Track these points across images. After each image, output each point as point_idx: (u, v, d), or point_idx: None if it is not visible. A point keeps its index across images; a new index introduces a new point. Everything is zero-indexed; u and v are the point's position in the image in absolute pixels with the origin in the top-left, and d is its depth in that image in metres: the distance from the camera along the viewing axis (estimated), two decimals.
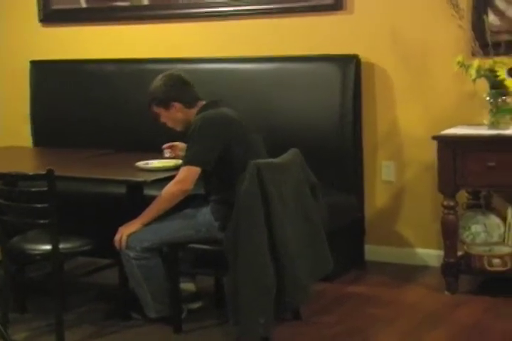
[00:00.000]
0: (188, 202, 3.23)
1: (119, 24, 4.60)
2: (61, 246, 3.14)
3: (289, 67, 4.10)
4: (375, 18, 3.92)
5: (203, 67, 4.28)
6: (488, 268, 3.48)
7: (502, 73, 3.41)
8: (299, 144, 3.37)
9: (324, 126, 3.95)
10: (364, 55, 3.94)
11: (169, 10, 4.54)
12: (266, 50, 4.17)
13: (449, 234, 3.54)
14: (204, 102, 3.27)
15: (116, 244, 3.17)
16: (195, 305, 3.42)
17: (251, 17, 4.23)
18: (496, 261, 3.46)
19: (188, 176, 3.10)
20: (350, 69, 3.91)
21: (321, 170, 3.50)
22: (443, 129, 3.60)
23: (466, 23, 3.66)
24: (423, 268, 3.94)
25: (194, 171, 3.10)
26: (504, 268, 3.46)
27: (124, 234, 3.15)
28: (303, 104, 4.01)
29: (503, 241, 3.64)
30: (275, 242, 2.94)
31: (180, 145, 3.44)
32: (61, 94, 4.62)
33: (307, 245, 3.11)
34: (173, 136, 3.42)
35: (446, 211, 3.52)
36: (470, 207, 3.75)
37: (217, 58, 4.29)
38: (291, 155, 3.19)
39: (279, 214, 2.96)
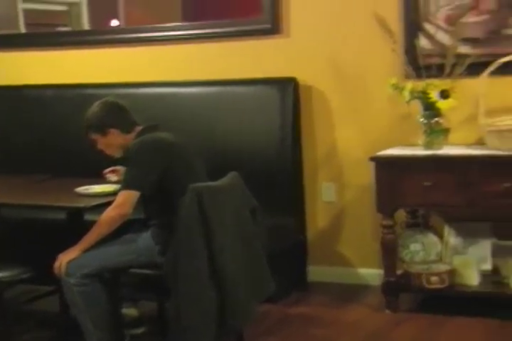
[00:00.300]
0: (128, 227, 3.23)
1: (59, 49, 4.59)
2: (0, 274, 3.10)
3: (229, 90, 4.15)
4: (312, 42, 4.00)
5: (145, 91, 4.30)
6: (427, 286, 3.53)
7: (433, 95, 3.50)
8: (240, 167, 3.41)
9: (264, 148, 3.99)
10: (302, 78, 4.01)
11: (110, 35, 4.56)
12: (206, 74, 4.21)
13: (388, 253, 3.60)
14: (141, 127, 3.28)
15: (56, 271, 3.13)
16: (138, 331, 3.40)
17: (191, 42, 4.27)
18: (434, 278, 3.52)
19: (126, 200, 3.09)
20: (288, 92, 3.97)
21: (263, 192, 3.52)
22: (380, 150, 3.68)
23: (399, 46, 3.75)
24: (365, 288, 3.98)
25: (132, 195, 3.10)
26: (442, 286, 3.52)
27: (63, 260, 3.12)
28: (243, 126, 4.05)
29: (440, 259, 3.72)
30: (215, 266, 2.95)
31: (122, 169, 3.44)
32: (2, 120, 4.58)
33: (248, 267, 3.13)
34: (113, 161, 3.42)
35: (384, 230, 3.58)
36: (408, 226, 3.82)
37: (158, 82, 4.32)
38: (230, 178, 3.21)
39: (219, 237, 2.97)
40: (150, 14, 4.89)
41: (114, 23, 5.00)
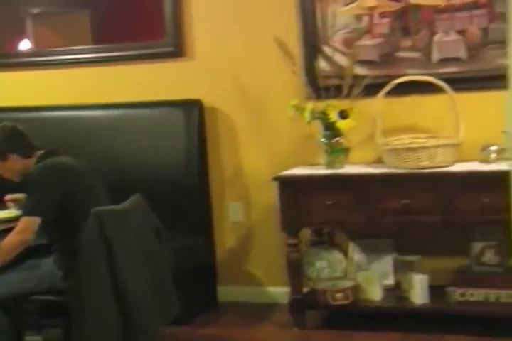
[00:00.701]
0: (30, 253, 3.19)
1: None
2: None
3: (135, 113, 4.16)
4: (216, 64, 4.05)
5: (48, 115, 4.27)
6: (332, 303, 3.59)
7: (333, 115, 3.59)
8: (147, 188, 3.42)
9: (171, 169, 4.01)
10: (207, 100, 4.05)
11: (13, 58, 4.52)
12: (112, 97, 4.21)
13: (294, 271, 3.66)
14: (42, 152, 3.26)
15: None
16: None
17: (96, 65, 4.27)
18: (339, 295, 3.58)
19: (27, 226, 3.06)
20: (193, 113, 4.01)
21: (170, 213, 3.55)
22: (285, 170, 3.74)
23: (300, 68, 3.83)
24: (274, 306, 4.02)
25: (34, 221, 3.07)
26: (346, 302, 3.59)
27: None
28: (150, 149, 4.06)
29: (345, 276, 3.79)
30: (119, 289, 2.94)
31: (24, 197, 3.40)
32: None
33: (153, 289, 3.13)
34: (13, 186, 3.37)
35: (290, 249, 3.64)
36: (314, 244, 3.88)
37: (62, 106, 4.29)
38: (133, 201, 3.21)
39: (122, 261, 2.97)
40: (60, 37, 4.85)
41: (25, 45, 4.94)
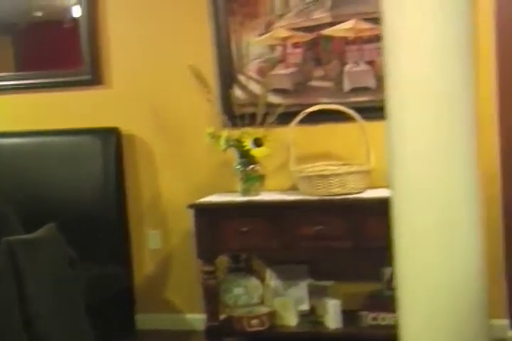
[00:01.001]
0: None
1: None
2: None
3: (53, 140, 4.14)
4: (134, 92, 4.07)
5: None
6: (248, 329, 3.62)
7: (248, 143, 3.64)
8: (64, 216, 3.40)
9: (89, 197, 4.00)
10: (125, 128, 4.07)
11: None
12: (30, 125, 4.19)
13: (210, 298, 3.67)
14: None
15: None
16: None
17: (15, 92, 4.25)
18: (255, 321, 3.61)
19: None
20: (111, 141, 4.02)
21: (88, 241, 3.53)
22: (202, 197, 3.77)
23: (215, 97, 3.88)
24: (192, 333, 4.02)
25: None
26: (262, 328, 3.61)
27: None
28: (67, 176, 4.05)
29: (262, 302, 3.82)
30: (29, 318, 2.90)
31: None
32: None
33: (65, 319, 3.10)
34: None
35: (205, 276, 3.65)
36: (231, 270, 3.90)
37: None
38: (46, 230, 3.18)
39: (33, 290, 2.93)
40: None
41: None
